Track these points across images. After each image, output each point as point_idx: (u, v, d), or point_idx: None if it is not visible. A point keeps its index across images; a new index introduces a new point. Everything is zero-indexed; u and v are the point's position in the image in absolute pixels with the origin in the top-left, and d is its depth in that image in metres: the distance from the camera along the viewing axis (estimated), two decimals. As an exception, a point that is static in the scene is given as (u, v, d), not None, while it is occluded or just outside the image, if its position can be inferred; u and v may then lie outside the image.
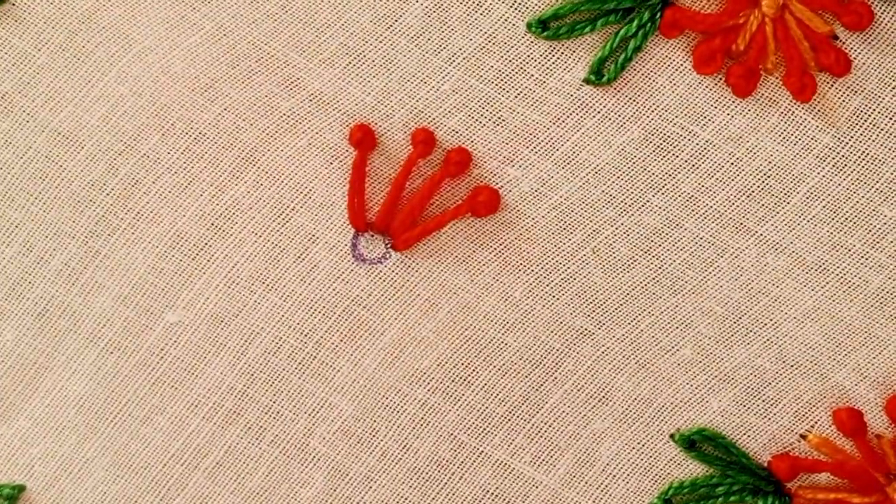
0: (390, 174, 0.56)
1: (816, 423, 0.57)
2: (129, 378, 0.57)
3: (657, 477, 0.57)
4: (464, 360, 0.57)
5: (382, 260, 0.56)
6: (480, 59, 0.55)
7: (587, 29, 0.54)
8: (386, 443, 0.58)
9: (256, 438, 0.58)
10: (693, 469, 0.57)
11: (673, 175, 0.55)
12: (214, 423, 0.58)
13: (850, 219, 0.55)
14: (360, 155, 0.55)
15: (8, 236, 0.57)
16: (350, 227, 0.56)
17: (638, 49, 0.54)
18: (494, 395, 0.57)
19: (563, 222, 0.56)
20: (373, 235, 0.56)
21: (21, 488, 0.58)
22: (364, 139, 0.55)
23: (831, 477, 0.57)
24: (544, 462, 0.58)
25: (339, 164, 0.56)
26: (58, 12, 0.56)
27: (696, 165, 0.55)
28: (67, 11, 0.56)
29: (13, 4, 0.56)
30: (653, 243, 0.56)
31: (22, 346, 0.58)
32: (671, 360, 0.57)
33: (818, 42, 0.54)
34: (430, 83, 0.55)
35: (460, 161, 0.55)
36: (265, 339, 0.57)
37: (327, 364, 0.57)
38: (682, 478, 0.57)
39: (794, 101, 0.55)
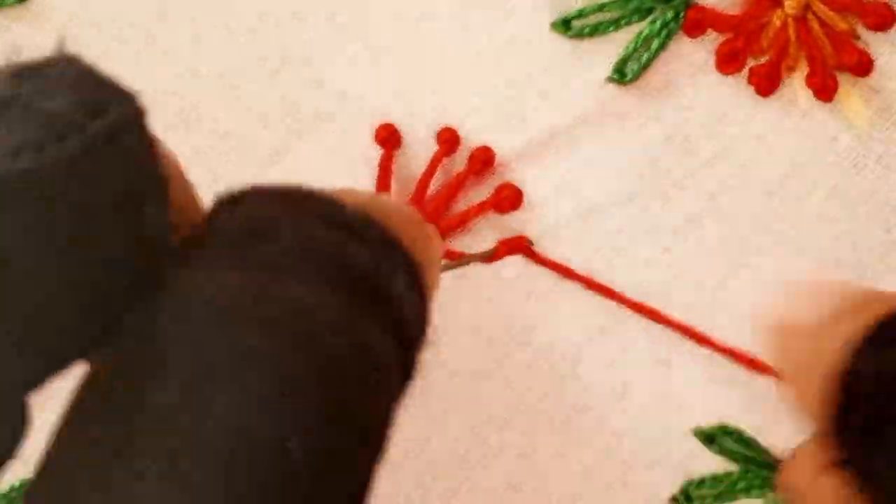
0: (416, 172, 0.56)
1: (835, 419, 0.57)
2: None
3: (677, 472, 0.58)
4: (485, 354, 0.57)
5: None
6: (504, 58, 0.55)
7: (610, 28, 0.55)
8: (406, 436, 0.58)
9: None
10: (712, 464, 0.58)
11: (694, 174, 0.56)
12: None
13: (869, 220, 0.56)
14: (385, 153, 0.55)
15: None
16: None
17: (661, 48, 0.55)
18: (515, 389, 0.57)
19: (585, 221, 0.56)
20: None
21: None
22: (389, 138, 0.55)
23: (849, 472, 0.57)
24: (565, 456, 0.58)
25: (364, 163, 0.56)
26: (81, 9, 0.56)
27: (717, 164, 0.56)
28: (91, 8, 0.56)
29: (38, 2, 0.56)
30: (674, 241, 0.56)
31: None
32: (690, 356, 0.57)
33: (840, 42, 0.54)
34: (455, 82, 0.55)
35: (484, 159, 0.55)
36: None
37: (351, 359, 0.57)
38: (701, 472, 0.58)
39: (815, 101, 0.55)
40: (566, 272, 0.56)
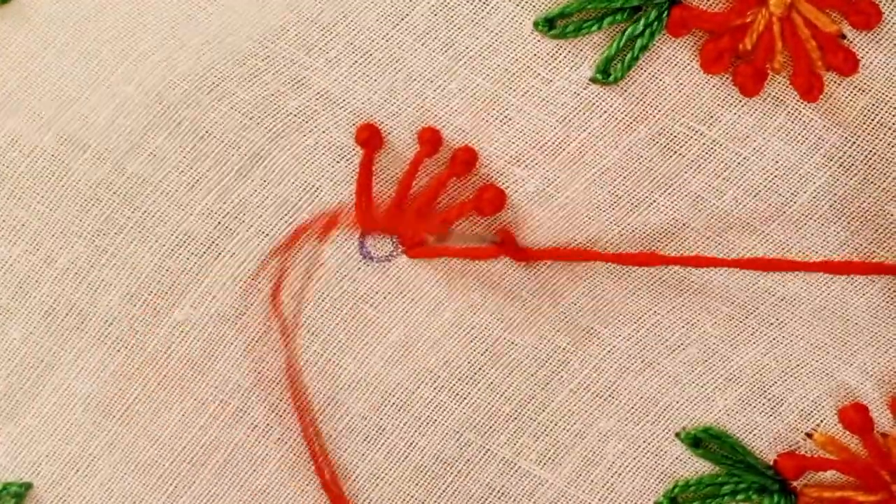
0: (397, 173, 0.56)
1: (822, 421, 0.57)
2: (136, 376, 0.58)
3: (663, 475, 0.58)
4: (470, 358, 0.57)
5: (390, 258, 0.56)
6: (487, 57, 0.55)
7: (594, 27, 0.54)
8: (392, 441, 0.58)
9: (263, 436, 0.58)
10: (699, 467, 0.57)
11: (679, 175, 0.56)
12: (221, 421, 0.58)
13: (856, 218, 0.55)
14: (367, 154, 0.55)
15: (14, 235, 0.57)
16: (357, 225, 0.56)
17: (645, 48, 0.54)
18: (500, 393, 0.57)
19: (569, 222, 0.56)
20: (380, 234, 0.56)
21: (28, 486, 0.59)
22: (371, 138, 0.55)
23: (837, 475, 0.57)
24: (550, 460, 0.58)
25: (345, 163, 0.56)
26: (64, 10, 0.57)
27: (703, 165, 0.56)
28: (74, 9, 0.56)
29: (20, 2, 0.56)
30: (659, 243, 0.56)
31: (29, 345, 0.58)
32: (677, 359, 0.57)
33: (826, 41, 0.54)
34: (437, 82, 0.55)
35: (467, 160, 0.55)
36: (272, 337, 0.57)
37: (334, 362, 0.57)
38: (687, 476, 0.57)
39: (801, 101, 0.55)
40: (562, 254, 0.55)
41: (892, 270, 0.55)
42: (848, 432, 0.57)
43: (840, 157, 0.55)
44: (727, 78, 0.55)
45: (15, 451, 0.59)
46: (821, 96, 0.54)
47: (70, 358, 0.58)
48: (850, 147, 0.55)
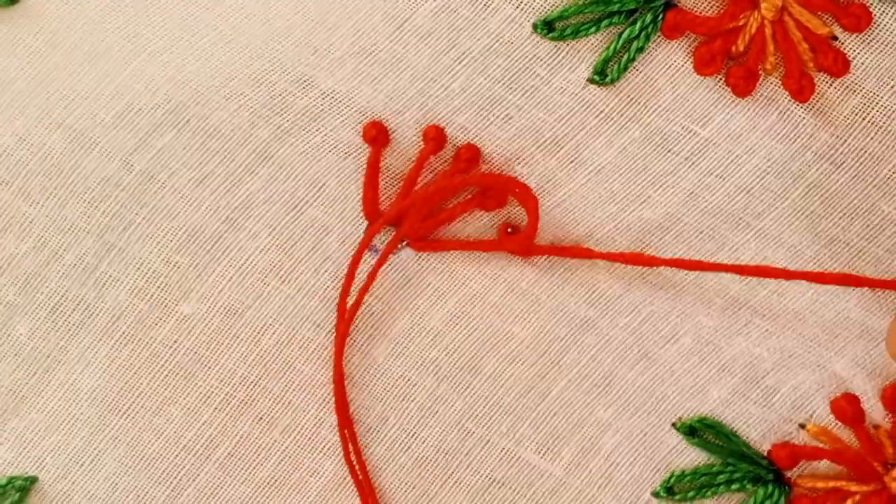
0: (402, 169, 0.57)
1: (815, 412, 0.58)
2: (142, 370, 0.58)
3: (659, 465, 0.58)
4: (471, 349, 0.58)
5: (395, 251, 0.57)
6: (488, 58, 0.56)
7: (591, 30, 0.56)
8: (394, 432, 0.58)
9: (268, 428, 0.58)
10: (695, 457, 0.58)
11: (673, 172, 0.57)
12: (226, 414, 0.58)
13: (847, 214, 0.56)
14: (374, 151, 0.56)
15: (22, 231, 0.57)
16: (363, 219, 0.57)
17: (640, 50, 0.55)
18: (500, 383, 0.58)
19: (566, 217, 0.57)
20: (385, 228, 0.57)
21: (33, 480, 0.58)
22: (378, 136, 0.56)
23: (830, 466, 0.58)
24: (549, 450, 0.58)
25: (352, 160, 0.57)
26: (73, 11, 0.57)
27: (697, 163, 0.57)
28: (82, 10, 0.57)
29: (27, 4, 0.57)
30: (654, 237, 0.57)
31: (35, 340, 0.58)
32: (672, 350, 0.58)
33: (817, 43, 0.55)
34: (440, 81, 0.56)
35: (470, 157, 0.56)
36: (278, 329, 0.57)
37: (338, 355, 0.58)
38: (683, 466, 0.58)
39: (792, 101, 0.56)
40: (560, 251, 0.56)
41: (871, 283, 0.56)
42: (840, 423, 0.58)
43: (831, 155, 0.56)
44: (720, 79, 0.56)
45: (20, 446, 0.59)
46: (812, 96, 0.55)
47: (76, 353, 0.58)
48: (841, 145, 0.56)
